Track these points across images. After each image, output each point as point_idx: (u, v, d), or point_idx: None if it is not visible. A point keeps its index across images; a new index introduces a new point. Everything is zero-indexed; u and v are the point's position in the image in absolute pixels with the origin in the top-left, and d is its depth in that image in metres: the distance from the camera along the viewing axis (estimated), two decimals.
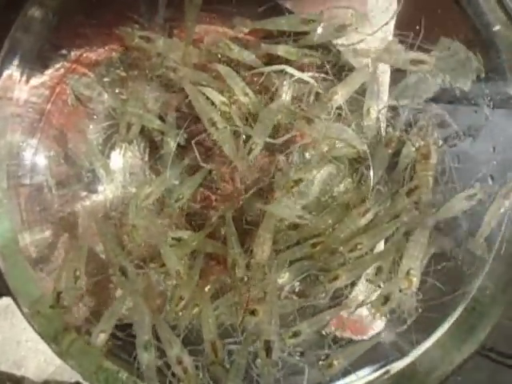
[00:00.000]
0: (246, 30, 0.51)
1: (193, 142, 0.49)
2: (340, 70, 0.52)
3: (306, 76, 0.50)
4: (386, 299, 0.45)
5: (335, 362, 0.46)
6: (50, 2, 0.47)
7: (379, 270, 0.47)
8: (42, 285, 0.48)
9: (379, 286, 0.48)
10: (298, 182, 0.48)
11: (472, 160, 0.49)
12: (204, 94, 0.48)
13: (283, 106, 0.49)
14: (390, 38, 0.51)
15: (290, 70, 0.49)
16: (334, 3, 0.51)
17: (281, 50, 0.50)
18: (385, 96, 0.53)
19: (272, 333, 0.44)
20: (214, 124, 0.47)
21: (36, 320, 0.46)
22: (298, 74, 0.49)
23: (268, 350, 0.44)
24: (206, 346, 0.47)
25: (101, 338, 0.46)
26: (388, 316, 0.48)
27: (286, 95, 0.49)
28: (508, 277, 0.45)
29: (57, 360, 0.55)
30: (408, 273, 0.44)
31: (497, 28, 0.45)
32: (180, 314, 0.48)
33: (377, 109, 0.49)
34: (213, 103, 0.48)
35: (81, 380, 0.55)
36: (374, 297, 0.47)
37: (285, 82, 0.49)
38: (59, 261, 0.51)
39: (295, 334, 0.48)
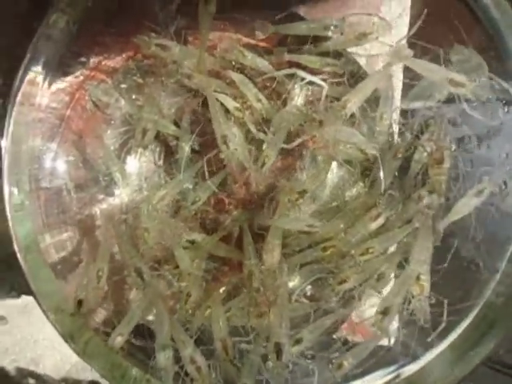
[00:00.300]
0: (262, 36, 0.52)
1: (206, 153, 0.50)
2: (353, 75, 0.52)
3: (317, 79, 0.50)
4: (383, 313, 0.45)
5: (345, 363, 0.46)
6: (71, 10, 0.49)
7: (381, 275, 0.47)
8: (61, 285, 0.49)
9: (379, 293, 0.48)
10: (302, 193, 0.48)
11: (486, 164, 0.49)
12: (221, 104, 0.49)
13: (296, 108, 0.50)
14: (404, 42, 0.51)
15: (300, 73, 0.49)
16: (347, 10, 0.52)
17: (303, 58, 0.51)
18: (397, 101, 0.53)
19: (282, 335, 0.45)
20: (225, 142, 0.48)
21: (56, 319, 0.47)
22: (309, 77, 0.50)
23: (278, 352, 0.44)
24: (216, 344, 0.47)
25: (118, 340, 0.47)
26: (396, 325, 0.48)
27: (298, 98, 0.50)
28: None
29: (73, 358, 0.56)
30: (418, 278, 0.44)
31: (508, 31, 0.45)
32: (190, 311, 0.49)
33: (390, 114, 0.49)
34: (228, 111, 0.49)
35: (97, 378, 0.57)
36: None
37: (296, 86, 0.50)
38: (77, 261, 0.53)
39: (297, 341, 0.48)
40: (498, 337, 0.44)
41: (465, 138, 0.50)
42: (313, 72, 0.51)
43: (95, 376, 0.57)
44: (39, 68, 0.50)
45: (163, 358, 0.46)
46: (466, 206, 0.47)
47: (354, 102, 0.48)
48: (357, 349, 0.48)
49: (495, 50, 0.47)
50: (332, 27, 0.49)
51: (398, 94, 0.53)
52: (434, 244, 0.46)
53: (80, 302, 0.48)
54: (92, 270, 0.49)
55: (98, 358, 0.47)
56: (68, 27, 0.49)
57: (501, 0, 0.43)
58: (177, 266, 0.51)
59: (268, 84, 0.52)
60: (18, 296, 0.60)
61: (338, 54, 0.52)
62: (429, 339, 0.46)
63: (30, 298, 0.57)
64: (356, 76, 0.51)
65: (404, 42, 0.51)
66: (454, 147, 0.49)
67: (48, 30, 0.49)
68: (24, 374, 0.57)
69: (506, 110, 0.48)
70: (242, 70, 0.52)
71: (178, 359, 0.47)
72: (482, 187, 0.46)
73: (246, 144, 0.49)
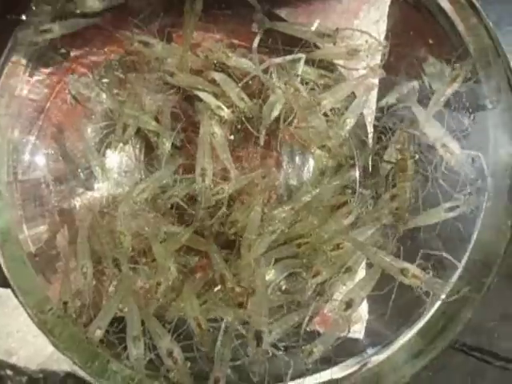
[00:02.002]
0: (258, 30, 0.52)
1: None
2: None
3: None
4: (347, 305, 0.48)
5: (315, 350, 0.48)
6: (53, 2, 0.49)
7: (348, 269, 0.50)
8: (39, 278, 0.50)
9: (345, 285, 0.51)
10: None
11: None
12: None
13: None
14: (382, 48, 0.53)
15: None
16: (327, 15, 0.54)
17: (299, 69, 0.52)
18: (373, 105, 0.55)
19: (262, 323, 0.46)
20: (202, 175, 0.50)
21: (34, 313, 0.47)
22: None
23: (259, 339, 0.46)
24: (190, 323, 0.48)
25: (97, 333, 0.48)
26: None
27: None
28: (480, 279, 0.48)
29: (47, 351, 0.57)
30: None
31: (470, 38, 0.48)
32: (160, 300, 0.50)
33: (353, 121, 0.51)
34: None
35: (72, 370, 0.57)
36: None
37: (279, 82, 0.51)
38: (55, 254, 0.53)
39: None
40: (462, 322, 0.47)
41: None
42: None
43: (70, 368, 0.57)
44: (20, 58, 0.50)
45: (134, 349, 0.47)
46: (435, 216, 0.49)
47: (328, 100, 0.50)
48: (325, 336, 0.50)
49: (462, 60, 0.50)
50: (325, 36, 0.50)
51: (373, 96, 0.56)
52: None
53: (66, 304, 0.48)
54: (76, 269, 0.49)
55: (77, 352, 0.48)
56: (50, 19, 0.49)
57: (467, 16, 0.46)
58: (154, 260, 0.52)
59: (250, 82, 0.53)
60: None
61: (329, 66, 0.54)
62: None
63: (3, 290, 0.57)
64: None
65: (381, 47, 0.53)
66: (417, 156, 0.51)
67: (29, 21, 0.48)
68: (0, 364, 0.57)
69: (471, 118, 0.51)
70: (223, 68, 0.53)
71: (154, 348, 0.48)
72: (455, 205, 0.48)
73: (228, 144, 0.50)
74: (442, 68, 0.49)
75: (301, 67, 0.51)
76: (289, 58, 0.51)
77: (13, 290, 0.49)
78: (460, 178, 0.48)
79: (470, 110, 0.50)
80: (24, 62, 0.50)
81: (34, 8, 0.48)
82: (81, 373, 0.56)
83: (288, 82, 0.51)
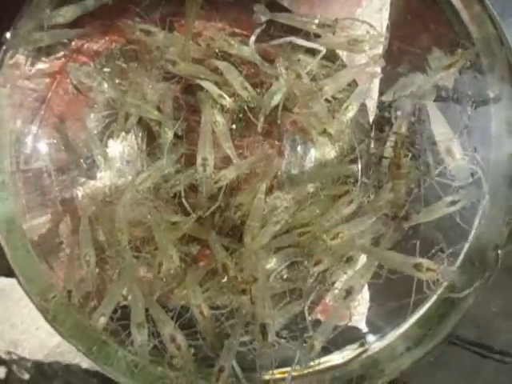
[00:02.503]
0: (261, 21, 0.52)
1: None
2: None
3: (314, 45, 0.51)
4: (347, 293, 0.48)
5: (315, 343, 0.49)
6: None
7: (350, 258, 0.50)
8: (43, 267, 0.50)
9: (345, 273, 0.51)
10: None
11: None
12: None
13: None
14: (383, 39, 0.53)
15: (298, 41, 0.50)
16: (330, 4, 0.53)
17: (301, 58, 0.52)
18: (375, 94, 0.55)
19: (267, 316, 0.47)
20: (203, 165, 0.50)
21: (39, 302, 0.48)
22: (306, 43, 0.51)
23: (264, 332, 0.46)
24: (193, 311, 0.49)
25: (101, 321, 0.48)
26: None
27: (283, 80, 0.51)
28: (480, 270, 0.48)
29: (51, 342, 0.58)
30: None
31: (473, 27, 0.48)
32: (164, 280, 0.50)
33: (355, 108, 0.51)
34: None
35: (76, 362, 0.58)
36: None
37: (282, 69, 0.51)
38: (57, 243, 0.54)
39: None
40: (458, 315, 0.48)
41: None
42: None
43: (74, 359, 0.58)
44: (20, 49, 0.49)
45: (139, 335, 0.48)
46: (436, 211, 0.49)
47: (330, 87, 0.50)
48: (324, 325, 0.50)
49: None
50: (325, 26, 0.50)
51: (375, 85, 0.56)
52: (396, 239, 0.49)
53: (70, 293, 0.49)
54: (79, 257, 0.50)
55: (80, 339, 0.48)
56: (50, 7, 0.49)
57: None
58: (157, 248, 0.52)
59: (252, 70, 0.53)
60: None
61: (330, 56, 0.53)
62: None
63: (7, 283, 0.58)
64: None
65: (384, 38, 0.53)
66: (410, 155, 0.51)
67: (30, 10, 0.48)
68: (5, 355, 0.58)
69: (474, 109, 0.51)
70: (225, 57, 0.53)
71: (158, 335, 0.48)
72: (458, 199, 0.48)
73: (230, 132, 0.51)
74: (446, 60, 0.49)
75: (301, 57, 0.51)
76: (286, 39, 0.50)
77: (17, 279, 0.49)
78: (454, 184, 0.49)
79: (474, 103, 0.50)
80: (25, 52, 0.50)
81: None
82: (84, 364, 0.57)
83: (289, 67, 0.50)
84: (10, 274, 0.50)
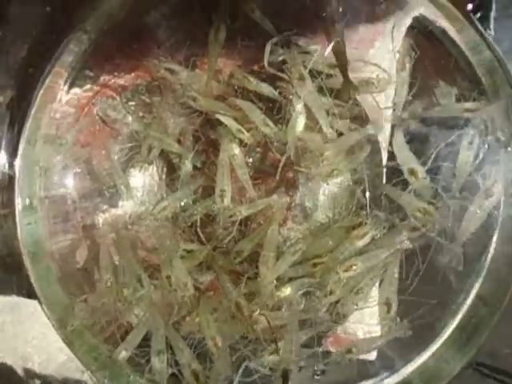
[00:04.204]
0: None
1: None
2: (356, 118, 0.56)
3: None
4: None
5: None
6: (91, 29, 0.52)
7: (360, 290, 0.51)
8: (64, 292, 0.52)
9: (357, 305, 0.52)
10: None
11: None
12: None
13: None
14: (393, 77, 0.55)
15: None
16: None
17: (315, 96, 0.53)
18: (388, 130, 0.57)
19: (291, 362, 0.47)
20: (221, 196, 0.52)
21: (59, 327, 0.50)
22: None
23: (285, 378, 0.47)
24: (207, 342, 0.50)
25: (123, 354, 0.50)
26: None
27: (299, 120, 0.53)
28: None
29: (59, 358, 0.58)
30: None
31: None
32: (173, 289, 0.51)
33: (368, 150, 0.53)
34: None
35: (84, 379, 0.58)
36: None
37: (298, 107, 0.53)
38: (79, 269, 0.55)
39: (273, 352, 0.51)
40: (478, 345, 0.48)
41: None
42: None
43: (82, 376, 0.59)
44: (57, 78, 0.53)
45: (158, 362, 0.49)
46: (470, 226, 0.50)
47: (332, 152, 0.53)
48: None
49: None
50: (336, 67, 0.52)
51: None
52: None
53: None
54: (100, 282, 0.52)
55: (97, 365, 0.50)
56: (85, 46, 0.52)
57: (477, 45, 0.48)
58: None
59: (270, 105, 0.56)
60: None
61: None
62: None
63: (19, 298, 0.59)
64: (359, 120, 0.55)
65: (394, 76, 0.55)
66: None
67: (66, 47, 0.52)
68: (16, 369, 0.59)
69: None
70: (243, 93, 0.56)
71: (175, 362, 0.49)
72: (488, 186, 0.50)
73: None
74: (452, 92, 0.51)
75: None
76: None
77: (39, 301, 0.51)
78: None
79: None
80: (61, 84, 0.53)
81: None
82: (91, 382, 0.57)
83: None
84: (29, 295, 0.52)
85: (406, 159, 0.53)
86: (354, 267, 0.52)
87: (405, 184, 0.54)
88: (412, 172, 0.52)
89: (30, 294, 0.52)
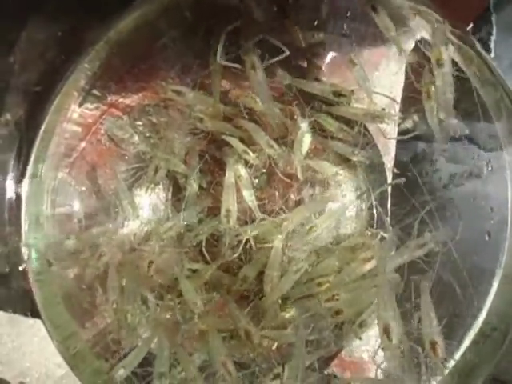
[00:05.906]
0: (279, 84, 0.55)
1: None
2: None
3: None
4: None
5: None
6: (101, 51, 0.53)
7: (364, 323, 0.51)
8: (69, 313, 0.52)
9: (360, 339, 0.51)
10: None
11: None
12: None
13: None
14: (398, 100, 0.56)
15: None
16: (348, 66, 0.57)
17: (322, 118, 0.55)
18: (392, 151, 0.58)
19: None
20: (227, 216, 0.52)
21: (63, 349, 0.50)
22: None
23: None
24: (218, 367, 0.49)
25: (121, 372, 0.49)
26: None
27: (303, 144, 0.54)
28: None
29: (57, 373, 0.58)
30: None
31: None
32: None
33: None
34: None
35: None
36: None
37: (303, 127, 0.54)
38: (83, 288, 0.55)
39: (276, 376, 0.50)
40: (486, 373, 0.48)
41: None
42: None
43: None
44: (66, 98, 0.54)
45: None
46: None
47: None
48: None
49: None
50: (341, 96, 0.53)
51: (393, 144, 0.58)
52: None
53: None
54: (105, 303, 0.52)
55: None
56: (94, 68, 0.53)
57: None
58: (180, 295, 0.53)
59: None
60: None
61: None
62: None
63: None
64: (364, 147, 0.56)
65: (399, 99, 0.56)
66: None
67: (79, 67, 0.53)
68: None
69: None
70: (250, 114, 0.56)
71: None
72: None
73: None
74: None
75: (322, 118, 0.54)
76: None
77: (43, 321, 0.51)
78: None
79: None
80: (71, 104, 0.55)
81: None
82: None
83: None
84: (33, 314, 0.52)
85: None
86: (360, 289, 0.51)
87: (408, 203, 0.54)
88: None
89: (34, 314, 0.52)
